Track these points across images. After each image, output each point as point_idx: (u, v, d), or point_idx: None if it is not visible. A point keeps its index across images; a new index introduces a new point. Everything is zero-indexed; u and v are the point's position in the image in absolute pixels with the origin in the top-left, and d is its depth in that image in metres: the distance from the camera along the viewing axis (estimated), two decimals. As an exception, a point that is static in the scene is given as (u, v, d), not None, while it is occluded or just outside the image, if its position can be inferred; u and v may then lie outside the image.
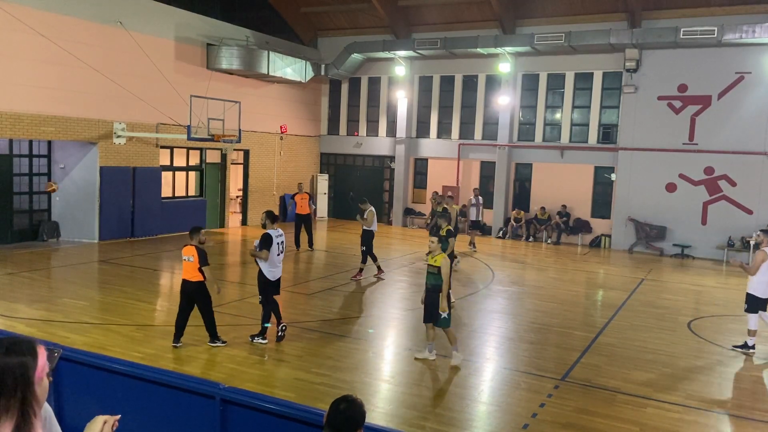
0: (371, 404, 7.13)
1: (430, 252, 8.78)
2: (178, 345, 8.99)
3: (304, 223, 18.19)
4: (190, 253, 8.91)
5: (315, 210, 25.13)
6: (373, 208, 14.89)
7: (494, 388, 8.13)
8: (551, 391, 7.82)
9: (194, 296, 8.96)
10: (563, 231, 22.23)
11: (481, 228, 19.87)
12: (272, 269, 9.43)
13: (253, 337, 9.41)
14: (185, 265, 8.95)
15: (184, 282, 9.00)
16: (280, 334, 9.45)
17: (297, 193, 18.39)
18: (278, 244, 9.41)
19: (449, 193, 20.24)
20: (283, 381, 7.87)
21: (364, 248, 14.56)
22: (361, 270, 14.55)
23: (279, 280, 9.62)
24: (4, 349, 2.06)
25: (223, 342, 9.08)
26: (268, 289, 9.47)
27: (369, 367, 8.73)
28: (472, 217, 19.76)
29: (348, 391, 7.07)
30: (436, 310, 8.58)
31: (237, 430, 4.37)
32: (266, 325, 9.39)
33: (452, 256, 16.43)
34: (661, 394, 7.91)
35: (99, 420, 2.36)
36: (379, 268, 14.75)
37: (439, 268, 8.50)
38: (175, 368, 7.92)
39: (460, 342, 9.99)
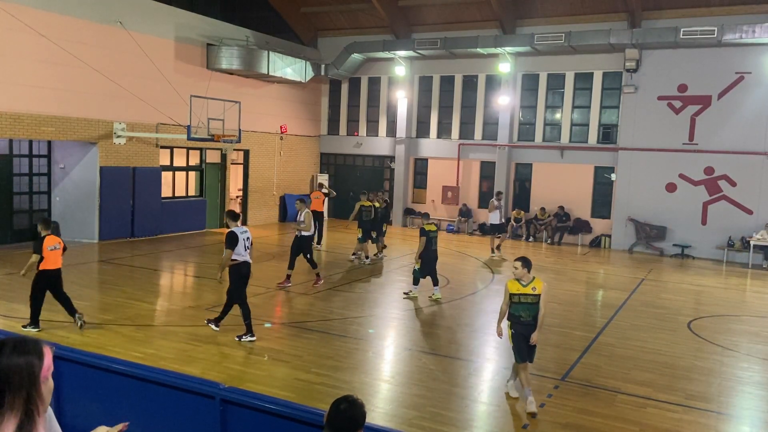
0: (371, 404, 7.13)
1: (518, 279, 7.32)
2: (39, 329, 9.28)
3: (318, 220, 18.37)
4: (56, 241, 9.26)
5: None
6: (309, 210, 13.52)
7: (494, 388, 8.13)
8: (551, 391, 7.82)
9: (58, 282, 9.31)
10: (558, 231, 22.23)
11: (502, 231, 19.08)
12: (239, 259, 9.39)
13: (240, 336, 9.34)
14: (53, 255, 9.20)
15: (53, 271, 9.23)
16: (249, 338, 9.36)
17: (314, 191, 19.13)
18: (243, 240, 9.38)
19: (372, 191, 19.21)
20: (283, 381, 7.86)
21: (309, 256, 13.36)
22: (318, 274, 13.58)
23: (249, 269, 9.48)
24: (11, 348, 2.09)
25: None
26: (240, 283, 9.39)
27: (369, 367, 8.73)
28: (494, 220, 18.71)
29: (348, 391, 7.07)
30: (534, 345, 7.37)
31: (237, 430, 4.37)
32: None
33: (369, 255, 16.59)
34: (661, 394, 7.91)
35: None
36: (293, 274, 13.38)
37: (539, 295, 7.25)
38: (175, 368, 7.92)
39: (460, 343, 10.01)
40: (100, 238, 17.86)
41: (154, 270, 14.85)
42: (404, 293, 12.91)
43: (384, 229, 17.70)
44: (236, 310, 9.52)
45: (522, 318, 7.25)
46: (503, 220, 18.96)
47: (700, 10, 19.89)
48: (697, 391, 8.12)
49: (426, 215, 13.63)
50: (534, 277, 7.31)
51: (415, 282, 12.82)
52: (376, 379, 8.32)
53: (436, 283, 12.74)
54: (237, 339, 9.27)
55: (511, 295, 7.29)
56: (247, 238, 9.48)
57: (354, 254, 16.81)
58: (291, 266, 13.24)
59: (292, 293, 12.78)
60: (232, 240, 9.22)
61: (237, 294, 9.42)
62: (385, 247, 17.63)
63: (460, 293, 13.48)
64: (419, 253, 12.63)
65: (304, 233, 13.22)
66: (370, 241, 16.79)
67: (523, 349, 7.28)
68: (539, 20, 22.19)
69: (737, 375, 8.88)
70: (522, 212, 22.97)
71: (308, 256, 13.35)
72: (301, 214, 13.25)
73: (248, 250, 9.47)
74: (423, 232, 12.62)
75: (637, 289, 14.72)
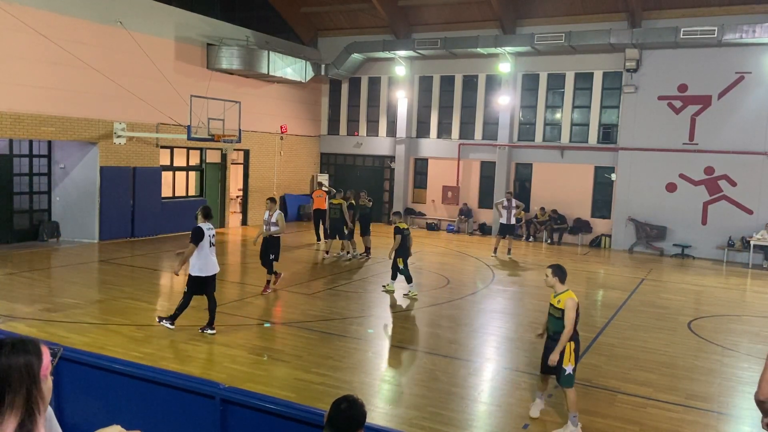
0: (371, 404, 7.13)
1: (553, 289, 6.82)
2: None
3: (321, 218, 19.07)
4: None
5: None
6: (281, 212, 12.82)
7: (494, 388, 8.13)
8: (551, 391, 7.81)
9: None
10: (556, 232, 22.21)
11: (511, 232, 18.88)
12: (202, 263, 9.37)
13: (203, 328, 9.54)
14: None
15: None
16: (210, 332, 9.51)
17: (315, 190, 19.61)
18: (209, 237, 9.47)
19: (351, 190, 18.84)
20: (283, 381, 7.86)
21: (273, 257, 12.42)
22: (269, 282, 12.65)
23: (214, 276, 9.58)
24: (9, 348, 2.10)
25: None
26: (194, 285, 9.45)
27: (369, 367, 8.73)
28: (503, 220, 18.59)
29: (348, 391, 7.07)
30: (559, 362, 6.68)
31: (237, 430, 4.37)
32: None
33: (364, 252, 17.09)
34: (661, 394, 7.91)
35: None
36: (276, 274, 12.87)
37: (563, 311, 6.57)
38: (175, 368, 7.92)
39: (460, 343, 10.00)
40: (100, 238, 17.86)
41: (154, 270, 14.86)
42: (404, 294, 12.93)
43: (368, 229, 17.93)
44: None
45: (549, 330, 6.87)
46: (513, 222, 18.84)
47: (700, 10, 19.89)
48: (698, 391, 8.12)
49: (398, 213, 13.78)
50: (567, 290, 6.69)
51: (408, 280, 12.95)
52: (376, 379, 8.32)
53: (394, 277, 13.10)
54: (164, 323, 9.43)
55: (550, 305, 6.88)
56: (213, 234, 9.61)
57: (348, 253, 17.15)
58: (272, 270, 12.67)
59: (292, 293, 12.78)
60: (197, 235, 9.29)
61: (189, 291, 9.51)
62: (366, 252, 17.73)
63: (460, 293, 13.48)
64: (394, 251, 12.85)
65: (274, 235, 12.40)
66: (338, 237, 17.19)
67: (543, 361, 6.91)
68: (539, 20, 22.18)
69: (737, 375, 8.88)
70: (522, 212, 22.95)
71: (272, 257, 12.41)
72: (272, 216, 12.34)
73: (212, 247, 9.55)
74: (398, 230, 12.88)
75: (637, 289, 14.72)
